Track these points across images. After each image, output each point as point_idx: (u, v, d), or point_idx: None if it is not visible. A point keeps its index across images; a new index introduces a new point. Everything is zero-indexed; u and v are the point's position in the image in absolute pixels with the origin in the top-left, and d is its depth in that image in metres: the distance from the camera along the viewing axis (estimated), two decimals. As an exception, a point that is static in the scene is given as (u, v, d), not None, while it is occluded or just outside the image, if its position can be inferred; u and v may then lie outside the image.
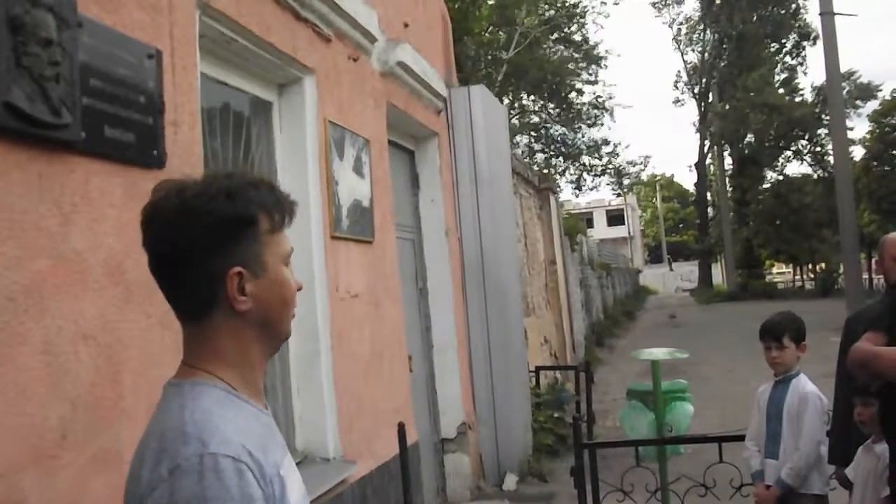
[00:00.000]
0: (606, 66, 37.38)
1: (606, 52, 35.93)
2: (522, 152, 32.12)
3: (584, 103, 36.17)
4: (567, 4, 30.69)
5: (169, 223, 1.59)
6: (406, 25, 7.45)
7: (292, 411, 5.07)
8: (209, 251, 1.59)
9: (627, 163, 41.29)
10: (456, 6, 16.45)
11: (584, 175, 39.24)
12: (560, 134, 37.41)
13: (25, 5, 2.70)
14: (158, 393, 3.28)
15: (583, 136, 38.00)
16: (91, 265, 3.01)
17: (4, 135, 2.64)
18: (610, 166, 39.45)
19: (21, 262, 2.68)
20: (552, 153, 37.88)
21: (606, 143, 38.94)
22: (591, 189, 42.75)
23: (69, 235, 2.91)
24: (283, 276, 1.67)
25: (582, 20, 32.47)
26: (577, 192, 40.55)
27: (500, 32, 25.48)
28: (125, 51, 3.28)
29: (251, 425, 1.59)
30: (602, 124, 38.57)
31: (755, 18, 49.77)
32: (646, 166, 47.68)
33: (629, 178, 43.31)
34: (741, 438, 5.12)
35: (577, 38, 33.27)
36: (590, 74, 35.62)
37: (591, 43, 34.10)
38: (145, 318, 3.30)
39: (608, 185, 41.81)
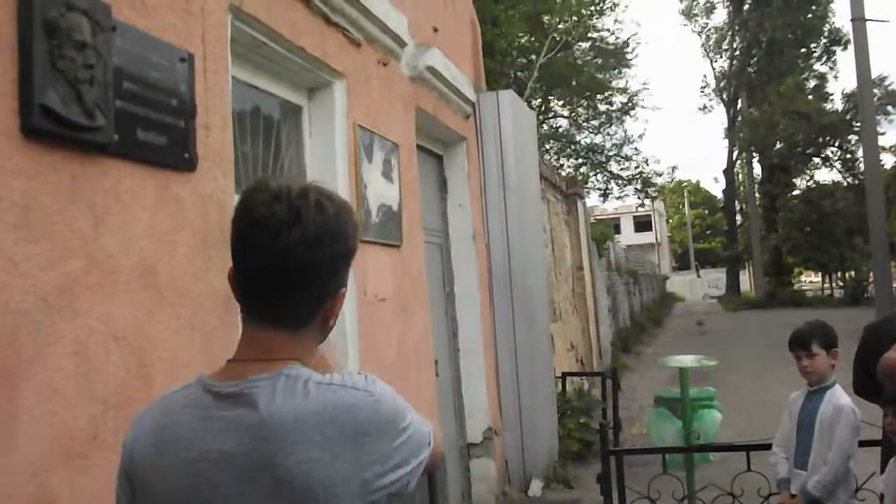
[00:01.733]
0: (632, 65, 37.43)
1: (634, 43, 35.88)
2: (550, 159, 32.10)
3: (612, 108, 36.18)
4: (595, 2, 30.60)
5: (312, 238, 1.63)
6: (435, 30, 7.47)
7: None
8: (335, 271, 1.68)
9: (654, 172, 41.29)
10: (489, 14, 16.42)
11: (612, 184, 39.31)
12: (588, 142, 37.45)
13: (61, 9, 2.73)
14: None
15: (610, 137, 38.03)
16: (123, 267, 3.03)
17: (39, 136, 2.67)
18: (636, 172, 39.42)
19: (54, 263, 2.71)
20: (582, 160, 37.88)
21: (630, 140, 38.95)
22: (618, 198, 42.92)
23: (101, 237, 2.94)
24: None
25: (608, 15, 32.40)
26: (603, 198, 40.62)
27: (532, 38, 25.42)
28: (158, 54, 3.31)
29: None
30: (632, 119, 38.62)
31: (785, 24, 49.47)
32: (672, 179, 47.69)
33: (655, 189, 43.29)
34: (769, 447, 5.08)
35: (606, 35, 33.22)
36: (619, 77, 35.65)
37: (617, 39, 34.05)
38: (176, 319, 3.32)
39: (635, 194, 41.83)
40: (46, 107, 2.65)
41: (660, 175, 42.46)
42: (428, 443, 1.74)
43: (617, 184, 39.56)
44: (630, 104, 36.92)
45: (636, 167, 39.40)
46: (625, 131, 41.00)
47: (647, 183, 40.60)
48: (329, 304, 1.70)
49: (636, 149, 39.24)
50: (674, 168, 63.14)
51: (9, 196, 2.55)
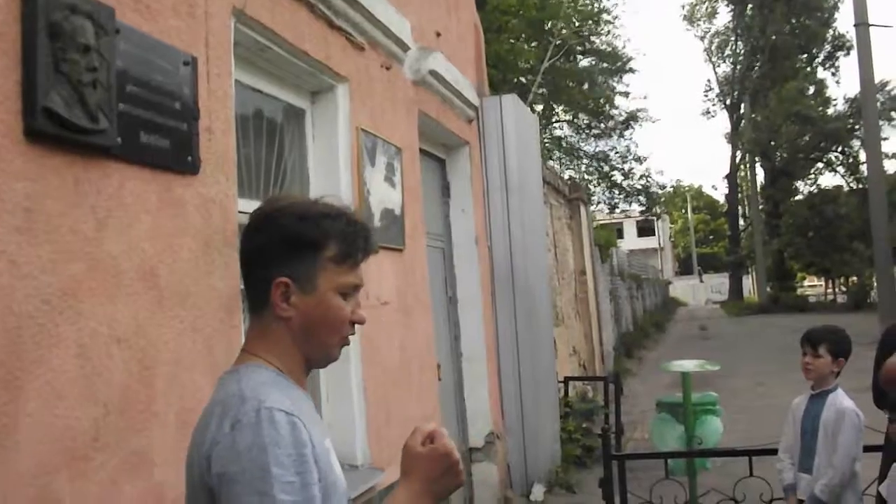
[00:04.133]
0: (634, 71, 37.91)
1: (631, 51, 36.24)
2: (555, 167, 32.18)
3: (616, 113, 36.33)
4: (595, 11, 30.71)
5: (251, 228, 1.88)
6: (438, 35, 7.47)
7: (321, 418, 5.07)
8: (270, 258, 1.83)
9: (658, 185, 41.63)
10: (494, 24, 16.39)
11: (617, 197, 39.58)
12: (592, 151, 37.61)
13: (65, 12, 2.73)
14: (190, 395, 3.32)
15: (615, 148, 38.25)
16: (125, 270, 3.04)
17: (42, 139, 2.68)
18: (641, 187, 39.67)
19: (57, 266, 2.71)
20: (586, 170, 38.01)
21: (637, 158, 39.18)
22: (623, 212, 43.20)
23: (104, 240, 2.94)
24: (330, 301, 1.85)
25: (609, 25, 32.55)
26: (610, 210, 40.86)
27: (536, 44, 25.43)
28: (161, 57, 3.31)
29: (299, 400, 1.79)
30: (630, 136, 38.92)
31: (788, 29, 49.52)
32: (674, 190, 48.01)
33: (660, 201, 43.72)
34: (771, 452, 5.08)
35: (605, 47, 33.35)
36: (623, 84, 35.81)
37: (617, 50, 34.22)
38: (178, 322, 3.32)
39: (640, 207, 42.17)
40: (50, 109, 2.65)
41: (663, 188, 42.84)
42: None
43: (622, 198, 39.87)
44: (632, 116, 37.16)
45: (639, 178, 39.63)
46: (630, 143, 41.82)
47: (651, 198, 40.90)
48: (272, 293, 1.81)
49: (639, 159, 39.37)
50: (677, 181, 63.40)
51: (11, 198, 2.56)
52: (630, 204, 41.71)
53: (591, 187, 36.96)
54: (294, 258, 1.81)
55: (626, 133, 37.93)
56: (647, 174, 40.01)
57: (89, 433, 2.79)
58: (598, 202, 38.92)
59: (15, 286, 2.55)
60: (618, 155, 38.79)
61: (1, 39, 2.57)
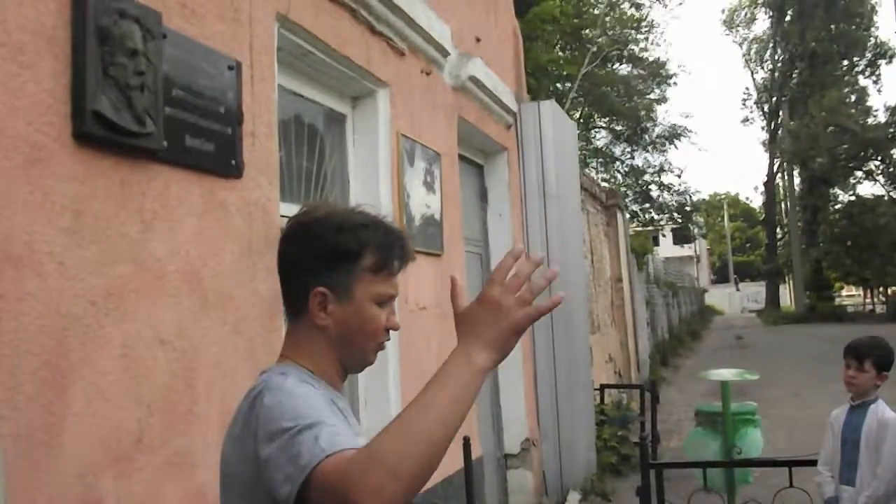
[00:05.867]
0: (675, 83, 37.80)
1: (679, 67, 36.08)
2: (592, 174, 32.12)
3: (652, 126, 36.21)
4: (634, 17, 30.63)
5: (289, 238, 1.90)
6: (478, 40, 7.47)
7: (359, 422, 5.08)
8: (308, 268, 1.85)
9: (692, 205, 41.51)
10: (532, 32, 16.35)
11: (649, 209, 39.49)
12: (630, 164, 37.50)
13: (114, 17, 2.76)
14: (232, 398, 3.33)
15: (650, 163, 38.14)
16: (169, 272, 3.06)
17: (91, 142, 2.71)
18: (675, 202, 39.57)
19: (103, 267, 2.74)
20: (623, 180, 37.88)
21: (679, 175, 39.15)
22: (659, 227, 43.08)
23: (149, 242, 2.97)
24: (366, 310, 1.86)
25: (647, 35, 32.46)
26: (642, 224, 40.72)
27: (571, 51, 25.37)
28: (206, 62, 3.34)
29: (323, 395, 1.78)
30: (671, 149, 38.66)
31: (828, 36, 49.05)
32: (706, 213, 47.81)
33: (694, 223, 43.61)
34: (811, 463, 5.01)
35: (644, 55, 33.27)
36: (659, 94, 35.67)
37: (657, 60, 34.15)
38: (220, 324, 3.34)
39: (674, 222, 42.08)
40: (98, 112, 2.68)
41: (698, 210, 42.64)
42: (309, 465, 1.51)
43: (655, 212, 39.82)
44: (674, 134, 37.06)
45: (672, 192, 39.54)
46: (666, 158, 41.85)
47: (687, 216, 40.80)
48: (310, 302, 1.84)
49: (679, 175, 39.41)
50: (713, 195, 62.89)
51: (60, 200, 2.59)
52: (664, 220, 41.64)
53: (627, 201, 36.85)
54: (332, 268, 1.83)
55: (667, 146, 37.73)
56: (683, 190, 39.93)
57: (133, 434, 2.82)
58: (633, 217, 38.81)
59: (62, 287, 2.58)
60: (653, 170, 38.71)
61: (51, 43, 2.60)
